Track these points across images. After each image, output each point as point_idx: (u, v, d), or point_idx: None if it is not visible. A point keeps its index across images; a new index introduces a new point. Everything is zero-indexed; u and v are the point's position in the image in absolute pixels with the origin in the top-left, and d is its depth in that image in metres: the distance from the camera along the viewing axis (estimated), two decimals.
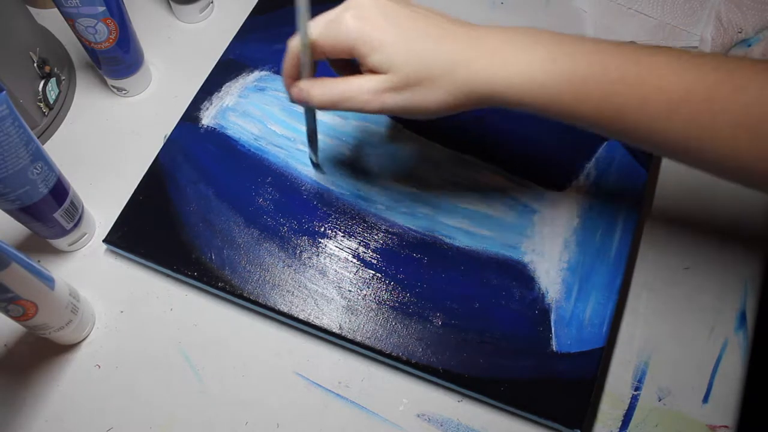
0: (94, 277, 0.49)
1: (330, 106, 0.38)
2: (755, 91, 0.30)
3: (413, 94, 0.36)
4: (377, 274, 0.47)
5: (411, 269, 0.47)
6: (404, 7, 0.36)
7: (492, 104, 0.36)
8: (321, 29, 0.37)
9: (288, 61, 0.39)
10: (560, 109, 0.35)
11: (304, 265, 0.47)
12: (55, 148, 0.55)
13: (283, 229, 0.48)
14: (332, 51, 0.37)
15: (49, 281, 0.41)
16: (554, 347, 0.44)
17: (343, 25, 0.36)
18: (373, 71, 0.36)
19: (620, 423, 0.44)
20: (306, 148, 0.52)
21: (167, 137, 0.53)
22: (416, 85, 0.35)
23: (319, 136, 0.52)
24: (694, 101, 0.32)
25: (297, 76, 0.39)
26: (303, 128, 0.53)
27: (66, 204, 0.46)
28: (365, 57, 0.36)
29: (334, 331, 0.45)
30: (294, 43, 0.38)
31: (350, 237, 0.48)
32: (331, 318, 0.45)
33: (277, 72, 0.56)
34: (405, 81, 0.35)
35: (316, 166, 0.51)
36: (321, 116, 0.53)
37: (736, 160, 0.32)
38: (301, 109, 0.54)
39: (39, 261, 0.47)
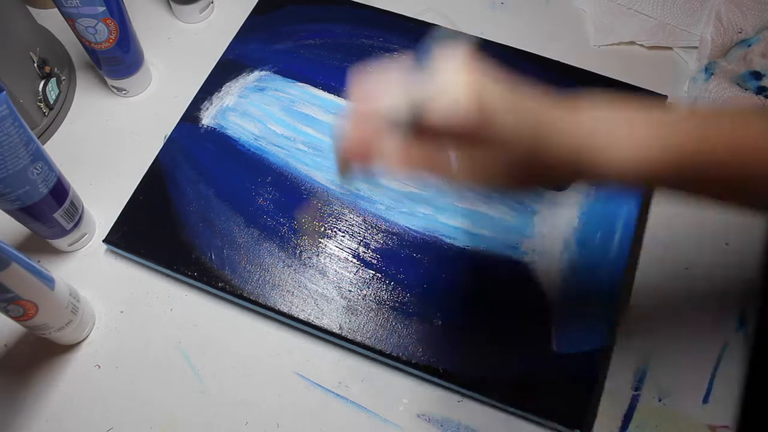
0: (94, 277, 0.49)
1: (415, 173, 0.32)
2: None
3: (523, 178, 0.33)
4: (377, 274, 0.47)
5: (411, 269, 0.47)
6: (515, 91, 0.32)
7: (595, 185, 0.35)
8: (427, 97, 0.30)
9: (366, 122, 0.31)
10: (665, 188, 0.34)
11: (304, 265, 0.47)
12: (55, 148, 0.55)
13: (283, 229, 0.48)
14: (434, 127, 0.31)
15: (49, 281, 0.41)
16: (554, 347, 0.44)
17: (460, 105, 0.30)
18: (476, 146, 0.31)
19: (620, 423, 0.44)
20: (305, 147, 0.52)
21: (167, 137, 0.53)
22: (527, 169, 0.32)
23: (319, 136, 0.52)
24: None
25: (367, 153, 0.32)
26: (303, 128, 0.53)
27: (66, 204, 0.46)
28: (476, 135, 0.31)
29: (334, 331, 0.45)
30: (383, 103, 0.31)
31: (350, 237, 0.48)
32: (331, 318, 0.45)
33: (278, 72, 0.56)
34: (518, 163, 0.32)
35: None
36: (320, 115, 0.53)
37: None
38: (301, 109, 0.54)
39: (39, 261, 0.47)
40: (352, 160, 0.33)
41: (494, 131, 0.31)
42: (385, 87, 0.31)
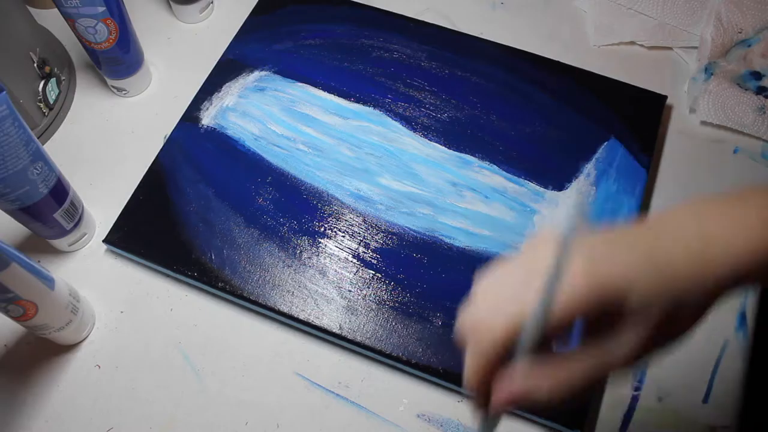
0: (94, 277, 0.49)
1: (571, 393, 0.27)
2: None
3: (677, 324, 0.28)
4: (377, 274, 0.47)
5: (411, 269, 0.47)
6: (618, 233, 0.28)
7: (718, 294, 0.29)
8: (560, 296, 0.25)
9: (489, 356, 0.26)
10: None
11: (304, 265, 0.47)
12: (55, 148, 0.55)
13: (283, 229, 0.48)
14: (559, 323, 0.26)
15: (49, 281, 0.41)
16: (554, 347, 0.44)
17: (575, 285, 0.25)
18: (617, 319, 0.27)
19: (620, 423, 0.44)
20: (306, 147, 0.52)
21: (167, 137, 0.53)
22: (676, 314, 0.27)
23: (319, 136, 0.52)
24: None
25: (491, 376, 0.27)
26: (303, 128, 0.53)
27: (66, 204, 0.46)
28: (618, 305, 0.26)
29: (334, 331, 0.45)
30: (503, 325, 0.26)
31: (350, 237, 0.48)
32: (331, 318, 0.45)
33: (278, 72, 0.56)
34: (666, 315, 0.27)
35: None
36: (321, 116, 0.53)
37: None
38: (301, 109, 0.54)
39: (39, 261, 0.47)
40: (476, 400, 0.28)
41: (613, 287, 0.26)
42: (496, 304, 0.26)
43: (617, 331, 0.27)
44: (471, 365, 0.26)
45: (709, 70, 0.55)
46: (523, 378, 0.26)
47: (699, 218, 0.28)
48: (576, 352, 0.27)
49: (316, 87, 0.55)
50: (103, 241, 0.49)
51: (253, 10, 0.59)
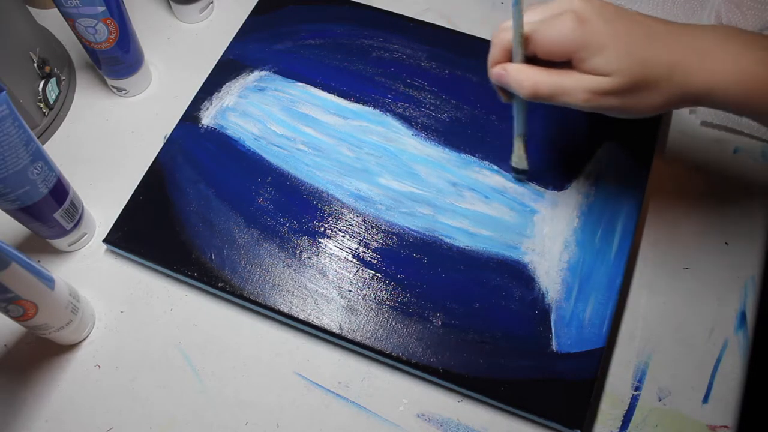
0: (94, 277, 0.49)
1: (541, 96, 0.38)
2: None
3: (632, 98, 0.36)
4: (377, 274, 0.47)
5: (411, 269, 0.47)
6: (618, 9, 0.37)
7: (700, 105, 0.38)
8: (538, 27, 0.37)
9: (496, 52, 0.40)
10: (765, 109, 0.36)
11: (304, 265, 0.47)
12: (55, 148, 0.55)
13: (283, 229, 0.48)
14: (546, 51, 0.37)
15: (49, 281, 0.41)
16: (554, 347, 0.44)
17: (564, 26, 0.36)
18: (590, 72, 0.36)
19: (620, 423, 0.44)
20: (306, 147, 0.52)
21: (167, 137, 0.53)
22: (636, 89, 0.36)
23: (319, 136, 0.52)
24: None
25: (498, 77, 0.40)
26: (303, 128, 0.53)
27: (66, 204, 0.46)
28: (585, 60, 0.36)
29: (334, 331, 0.45)
30: (505, 36, 0.39)
31: (350, 237, 0.48)
32: (331, 318, 0.45)
33: (278, 72, 0.56)
34: (626, 85, 0.36)
35: (519, 171, 0.49)
36: (321, 116, 0.53)
37: None
38: (301, 109, 0.54)
39: (39, 261, 0.47)
40: (493, 81, 0.40)
41: (592, 39, 0.35)
42: (506, 22, 0.39)
43: (586, 74, 0.37)
44: (490, 54, 0.40)
45: None
46: (515, 66, 0.39)
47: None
48: (558, 70, 0.37)
49: (316, 87, 0.55)
50: (103, 241, 0.49)
51: (253, 10, 0.59)
